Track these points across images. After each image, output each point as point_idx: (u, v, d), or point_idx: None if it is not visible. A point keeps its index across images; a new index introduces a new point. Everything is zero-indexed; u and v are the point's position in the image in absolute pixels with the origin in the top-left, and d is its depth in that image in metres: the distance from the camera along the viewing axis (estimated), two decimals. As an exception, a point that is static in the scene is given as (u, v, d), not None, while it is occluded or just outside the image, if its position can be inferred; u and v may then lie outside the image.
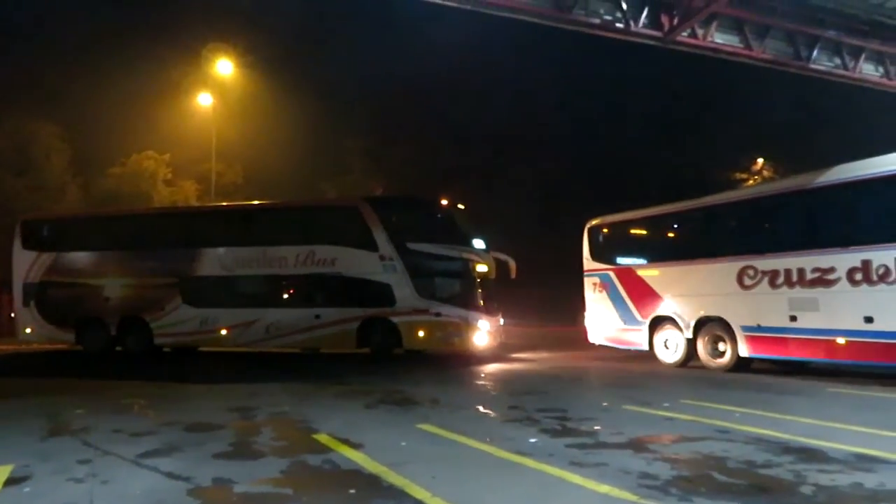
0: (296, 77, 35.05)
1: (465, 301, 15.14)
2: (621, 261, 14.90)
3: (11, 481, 5.32)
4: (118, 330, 17.29)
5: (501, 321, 16.58)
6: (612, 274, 14.91)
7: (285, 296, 16.51)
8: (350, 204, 16.79)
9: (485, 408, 8.54)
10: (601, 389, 10.71)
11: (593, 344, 15.43)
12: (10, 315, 18.39)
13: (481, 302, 15.40)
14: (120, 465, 5.81)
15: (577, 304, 16.09)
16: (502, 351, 17.07)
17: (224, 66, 28.40)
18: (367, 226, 15.60)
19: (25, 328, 17.98)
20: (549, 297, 31.43)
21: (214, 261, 16.81)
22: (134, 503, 4.78)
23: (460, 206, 17.36)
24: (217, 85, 29.01)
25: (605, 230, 15.53)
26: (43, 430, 7.47)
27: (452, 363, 15.07)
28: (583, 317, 15.64)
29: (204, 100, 28.62)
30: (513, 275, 17.05)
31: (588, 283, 15.54)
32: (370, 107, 37.85)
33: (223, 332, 16.54)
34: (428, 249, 15.31)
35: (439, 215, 16.42)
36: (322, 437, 6.79)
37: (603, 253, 15.35)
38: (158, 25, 36.37)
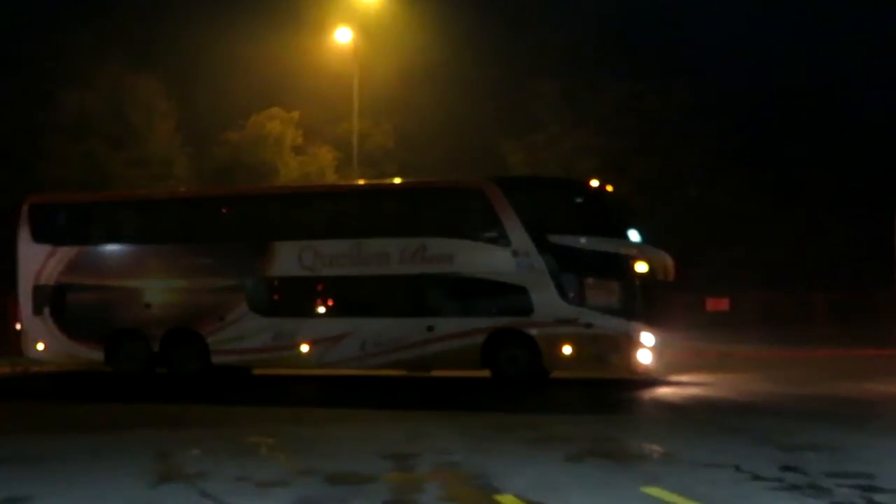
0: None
1: (624, 309, 16.07)
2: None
3: (117, 537, 5.98)
4: (162, 346, 18.41)
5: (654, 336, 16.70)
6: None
7: (387, 302, 17.54)
8: (473, 186, 17.97)
9: (743, 467, 8.28)
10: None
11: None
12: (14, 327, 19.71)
13: (645, 310, 16.24)
14: (248, 525, 6.33)
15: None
16: (766, 384, 16.43)
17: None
18: (495, 213, 16.61)
19: (37, 343, 19.05)
20: (844, 306, 29.89)
21: (292, 257, 17.82)
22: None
23: (609, 188, 18.08)
24: (359, 14, 30.05)
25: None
26: (151, 473, 8.30)
27: (643, 393, 15.27)
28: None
29: (342, 35, 29.57)
30: (670, 276, 17.34)
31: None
32: (569, 37, 37.60)
33: (304, 348, 17.65)
34: (575, 243, 16.37)
35: (587, 200, 17.31)
36: (507, 500, 6.94)
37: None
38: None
